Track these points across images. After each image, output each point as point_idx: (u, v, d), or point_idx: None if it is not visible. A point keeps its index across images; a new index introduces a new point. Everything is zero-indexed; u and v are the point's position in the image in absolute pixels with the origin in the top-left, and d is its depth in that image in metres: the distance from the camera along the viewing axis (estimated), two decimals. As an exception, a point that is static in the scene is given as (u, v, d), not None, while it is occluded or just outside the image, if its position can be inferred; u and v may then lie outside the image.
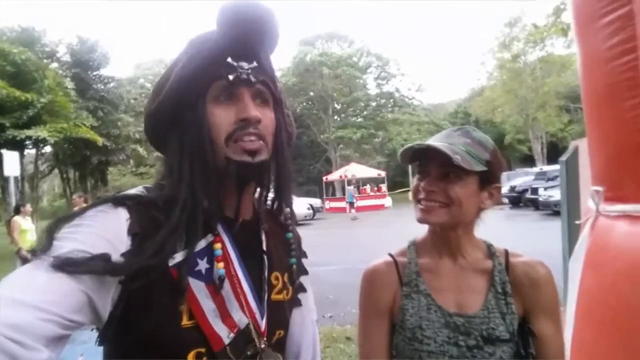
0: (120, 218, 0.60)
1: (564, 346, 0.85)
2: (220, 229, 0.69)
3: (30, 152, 16.33)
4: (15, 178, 10.15)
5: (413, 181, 0.93)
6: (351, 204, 18.74)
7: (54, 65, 17.70)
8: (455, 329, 0.85)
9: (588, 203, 0.58)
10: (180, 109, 0.67)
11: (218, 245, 0.67)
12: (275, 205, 0.81)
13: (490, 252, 0.94)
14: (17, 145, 12.72)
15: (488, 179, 0.89)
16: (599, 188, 0.56)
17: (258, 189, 0.77)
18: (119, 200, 0.63)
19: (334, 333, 3.92)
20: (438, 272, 0.92)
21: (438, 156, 0.84)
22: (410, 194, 0.93)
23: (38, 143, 14.73)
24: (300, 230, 0.90)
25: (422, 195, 0.88)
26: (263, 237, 0.77)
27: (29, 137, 13.15)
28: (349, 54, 32.38)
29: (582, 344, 0.55)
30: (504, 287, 0.88)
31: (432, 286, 0.91)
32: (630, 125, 0.53)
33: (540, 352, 0.86)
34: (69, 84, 15.46)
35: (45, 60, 16.40)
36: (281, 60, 30.49)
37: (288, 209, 0.80)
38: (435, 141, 0.88)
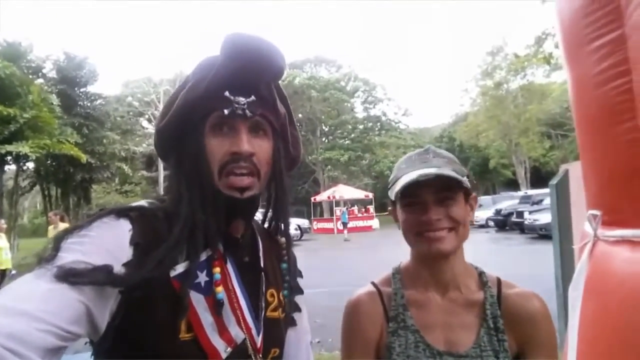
0: (123, 229, 0.62)
1: None
2: (221, 246, 0.70)
3: (11, 167, 15.93)
4: (-7, 194, 9.82)
5: (400, 214, 0.87)
6: (345, 225, 18.63)
7: (40, 81, 17.45)
8: None
9: (585, 227, 0.57)
10: (182, 131, 0.70)
11: (217, 270, 0.68)
12: (272, 226, 0.83)
13: (481, 281, 0.88)
14: (-3, 160, 12.41)
15: (468, 192, 0.86)
16: (596, 212, 0.54)
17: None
18: (122, 212, 0.64)
19: (322, 359, 3.79)
20: (426, 306, 0.86)
21: (434, 183, 0.80)
22: (401, 227, 0.87)
23: (19, 159, 14.38)
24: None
25: (426, 227, 0.82)
26: (261, 255, 0.78)
27: (10, 153, 12.84)
28: (337, 78, 32.94)
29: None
30: (495, 322, 0.83)
31: (420, 322, 0.85)
32: (625, 149, 0.52)
33: None
34: (55, 100, 15.23)
35: (30, 76, 16.21)
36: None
37: (283, 239, 0.82)
38: (416, 169, 0.83)
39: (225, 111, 0.67)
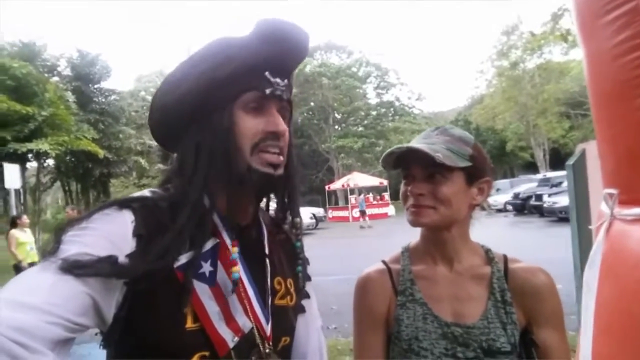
0: (126, 220, 0.61)
1: (569, 356, 0.83)
2: (225, 234, 0.69)
3: (32, 165, 16.41)
4: (16, 191, 10.15)
5: (401, 187, 0.91)
6: (363, 213, 18.68)
7: (55, 79, 17.80)
8: (453, 340, 0.81)
9: (601, 206, 0.56)
10: (203, 109, 0.67)
11: (235, 250, 0.67)
12: (280, 213, 0.81)
13: (488, 257, 0.90)
14: (19, 158, 12.76)
15: (475, 174, 0.86)
16: (613, 191, 0.53)
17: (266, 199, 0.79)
18: (124, 203, 0.63)
19: (339, 345, 3.78)
20: (434, 279, 0.88)
21: (420, 157, 0.82)
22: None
23: (40, 156, 14.79)
24: (304, 240, 0.88)
25: (411, 200, 0.86)
26: (266, 242, 0.78)
27: (31, 150, 13.21)
28: (348, 65, 32.62)
29: (602, 356, 0.51)
30: (503, 295, 0.84)
31: (428, 294, 0.87)
32: (642, 124, 0.50)
33: None
34: (70, 97, 15.55)
35: (46, 74, 16.57)
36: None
37: (298, 219, 0.80)
38: (414, 143, 0.86)
39: (267, 91, 0.67)
